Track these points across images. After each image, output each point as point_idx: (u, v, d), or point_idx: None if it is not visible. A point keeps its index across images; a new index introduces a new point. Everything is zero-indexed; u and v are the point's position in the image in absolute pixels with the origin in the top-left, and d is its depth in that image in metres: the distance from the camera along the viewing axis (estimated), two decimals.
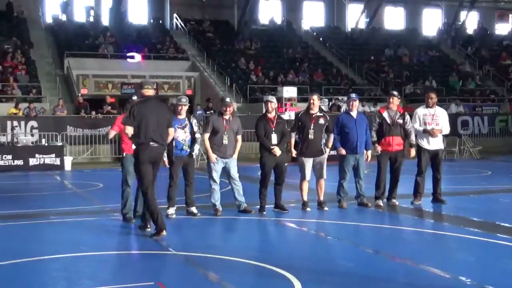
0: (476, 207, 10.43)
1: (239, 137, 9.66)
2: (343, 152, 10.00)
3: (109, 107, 22.19)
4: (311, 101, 9.84)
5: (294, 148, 9.85)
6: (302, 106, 11.67)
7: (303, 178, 9.86)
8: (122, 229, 8.68)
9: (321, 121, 9.80)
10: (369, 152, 10.15)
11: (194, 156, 9.57)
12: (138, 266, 6.79)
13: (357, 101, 10.38)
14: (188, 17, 32.94)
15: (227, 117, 9.51)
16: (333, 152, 10.63)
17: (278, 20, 35.35)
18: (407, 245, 7.66)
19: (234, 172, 9.58)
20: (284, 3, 36.11)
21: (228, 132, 9.46)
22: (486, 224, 8.63)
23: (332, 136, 9.98)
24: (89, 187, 9.67)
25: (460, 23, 36.81)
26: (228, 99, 9.73)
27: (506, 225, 8.51)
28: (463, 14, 36.61)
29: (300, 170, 9.88)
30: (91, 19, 31.31)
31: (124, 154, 8.95)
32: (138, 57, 27.61)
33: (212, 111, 21.91)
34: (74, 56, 26.76)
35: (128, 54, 27.53)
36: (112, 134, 9.15)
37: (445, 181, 11.17)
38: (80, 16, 31.70)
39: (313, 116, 9.78)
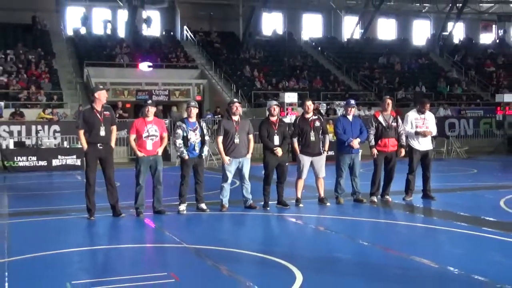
0: (463, 202, 10.38)
1: (251, 136, 9.58)
2: (356, 144, 9.77)
3: (121, 111, 22.18)
4: (307, 106, 9.81)
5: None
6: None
7: (299, 176, 9.83)
8: (137, 223, 8.69)
9: (317, 123, 9.78)
10: (356, 141, 9.87)
11: (203, 157, 9.56)
12: (152, 258, 6.79)
13: (355, 108, 10.40)
14: (197, 29, 32.99)
15: (236, 118, 9.49)
16: (331, 153, 10.58)
17: (280, 32, 35.35)
18: (399, 237, 7.64)
19: (246, 172, 9.53)
20: (285, 15, 36.15)
21: (239, 133, 9.41)
22: (472, 218, 8.59)
23: (328, 137, 9.97)
24: None
25: (447, 33, 36.78)
26: (235, 99, 9.82)
27: (491, 219, 8.48)
28: (450, 25, 36.58)
29: (297, 168, 9.86)
30: (108, 31, 31.41)
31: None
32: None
33: (220, 115, 21.94)
34: (93, 65, 26.86)
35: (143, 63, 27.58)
36: (133, 137, 9.21)
37: (434, 179, 11.14)
38: (98, 29, 31.83)
39: (310, 120, 9.77)
